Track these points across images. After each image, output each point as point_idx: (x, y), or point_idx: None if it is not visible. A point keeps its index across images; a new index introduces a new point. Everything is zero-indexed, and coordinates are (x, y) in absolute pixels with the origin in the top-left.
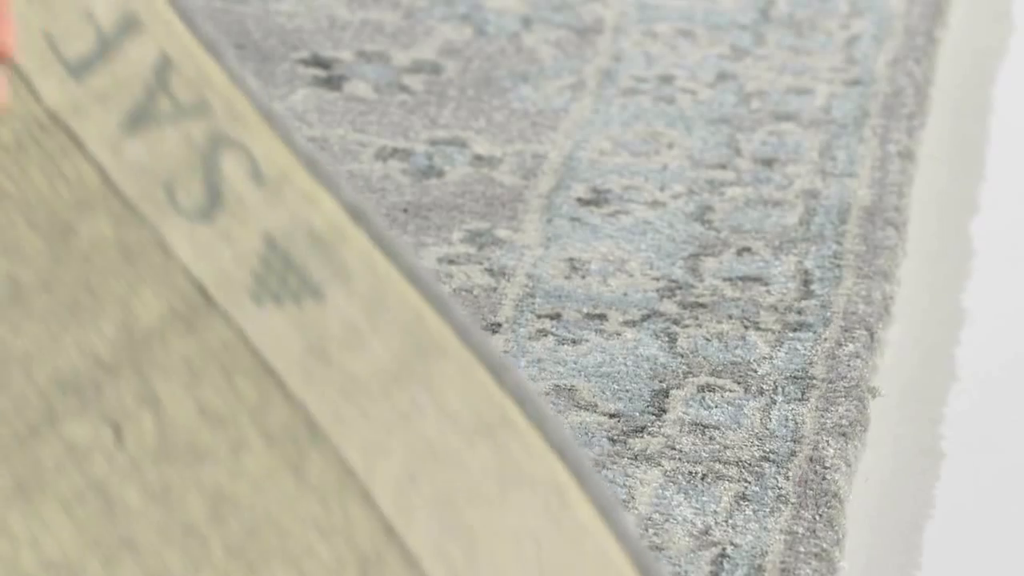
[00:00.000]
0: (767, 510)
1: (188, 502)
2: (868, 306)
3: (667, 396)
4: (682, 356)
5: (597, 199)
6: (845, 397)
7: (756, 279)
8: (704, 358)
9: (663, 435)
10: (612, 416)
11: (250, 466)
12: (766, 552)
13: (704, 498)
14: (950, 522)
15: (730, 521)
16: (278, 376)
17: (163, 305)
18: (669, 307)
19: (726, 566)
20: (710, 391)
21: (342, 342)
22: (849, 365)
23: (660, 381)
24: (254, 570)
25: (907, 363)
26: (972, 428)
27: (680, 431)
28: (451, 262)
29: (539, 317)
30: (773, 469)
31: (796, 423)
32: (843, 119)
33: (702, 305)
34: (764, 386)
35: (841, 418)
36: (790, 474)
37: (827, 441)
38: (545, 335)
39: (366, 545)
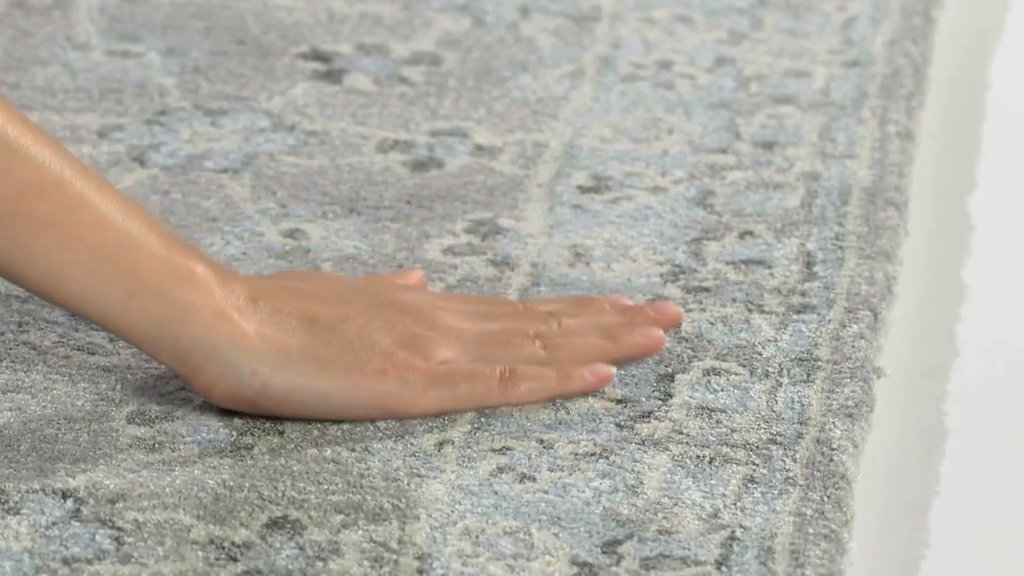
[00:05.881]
0: (775, 492)
1: None
2: (871, 287)
3: (673, 380)
4: (687, 340)
5: (598, 186)
6: (850, 378)
7: (759, 262)
8: (709, 342)
9: (670, 419)
10: (619, 402)
11: None
12: (775, 534)
13: (712, 481)
14: (957, 499)
15: (739, 504)
16: None
17: None
18: (673, 292)
19: (736, 548)
20: (716, 375)
21: None
22: (854, 346)
23: (665, 366)
24: None
25: (909, 341)
26: (976, 403)
27: (687, 415)
28: (455, 253)
29: None
30: (780, 451)
31: (802, 405)
32: (842, 101)
33: (706, 289)
34: (770, 369)
35: (847, 399)
36: (797, 456)
37: (834, 422)
38: None
39: None
